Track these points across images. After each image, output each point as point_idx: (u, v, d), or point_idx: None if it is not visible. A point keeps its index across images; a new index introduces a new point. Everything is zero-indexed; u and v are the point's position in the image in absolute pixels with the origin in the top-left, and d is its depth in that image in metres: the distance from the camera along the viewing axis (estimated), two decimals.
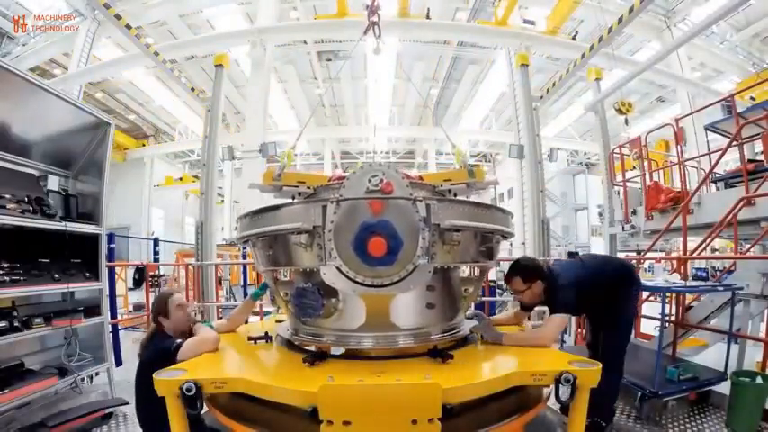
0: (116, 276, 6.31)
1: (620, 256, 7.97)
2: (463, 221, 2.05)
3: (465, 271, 2.51)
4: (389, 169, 1.99)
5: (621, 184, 7.39)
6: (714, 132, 6.67)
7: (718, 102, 6.53)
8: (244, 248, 9.09)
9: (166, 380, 1.77)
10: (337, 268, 1.96)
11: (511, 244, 9.65)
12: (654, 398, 3.47)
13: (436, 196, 2.35)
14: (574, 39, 11.60)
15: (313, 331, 2.26)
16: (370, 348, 2.17)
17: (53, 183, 4.04)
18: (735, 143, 5.00)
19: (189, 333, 2.61)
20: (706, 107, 7.29)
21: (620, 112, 8.92)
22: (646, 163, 7.00)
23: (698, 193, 5.59)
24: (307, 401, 1.65)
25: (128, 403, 3.80)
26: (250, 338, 2.54)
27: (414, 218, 1.94)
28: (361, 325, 2.15)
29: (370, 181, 1.96)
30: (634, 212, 7.02)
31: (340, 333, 2.19)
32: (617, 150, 7.95)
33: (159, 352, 2.38)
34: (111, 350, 4.20)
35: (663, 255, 11.29)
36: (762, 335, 4.28)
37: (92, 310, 3.93)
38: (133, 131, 21.72)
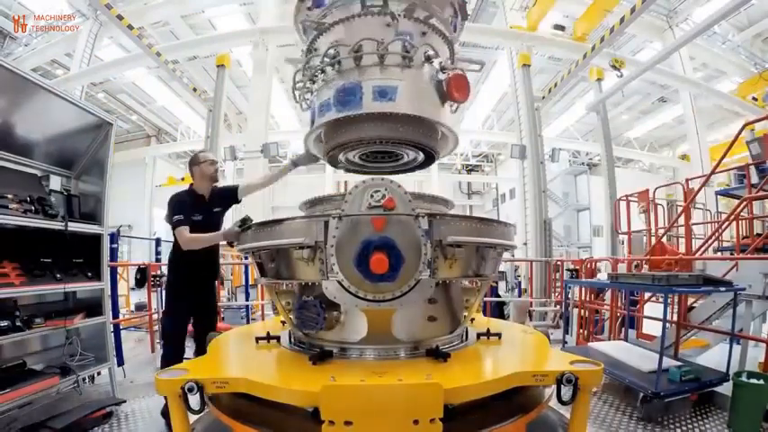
0: (118, 276, 6.32)
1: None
2: (465, 237, 2.05)
3: (466, 282, 2.51)
4: (392, 184, 2.00)
5: (626, 233, 7.48)
6: (727, 197, 6.69)
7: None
8: None
9: (168, 380, 1.77)
10: (339, 283, 1.97)
11: None
12: (655, 398, 3.47)
13: (438, 211, 2.36)
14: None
15: (314, 343, 2.27)
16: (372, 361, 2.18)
17: (55, 183, 4.04)
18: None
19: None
20: (719, 172, 6.80)
21: (614, 68, 9.09)
22: (652, 218, 7.10)
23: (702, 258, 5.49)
24: (308, 402, 1.65)
25: (125, 401, 3.86)
26: (257, 339, 2.55)
27: (416, 233, 1.94)
28: (363, 338, 2.16)
29: (372, 196, 1.96)
30: (637, 266, 6.94)
31: (341, 345, 2.21)
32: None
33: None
34: (112, 350, 4.21)
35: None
36: (764, 335, 4.27)
37: (94, 309, 3.95)
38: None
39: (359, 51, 2.28)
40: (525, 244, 9.30)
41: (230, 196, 3.52)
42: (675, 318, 4.70)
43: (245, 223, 2.42)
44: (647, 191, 7.24)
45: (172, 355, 3.32)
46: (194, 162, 3.43)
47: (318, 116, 2.49)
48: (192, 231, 3.11)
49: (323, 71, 2.43)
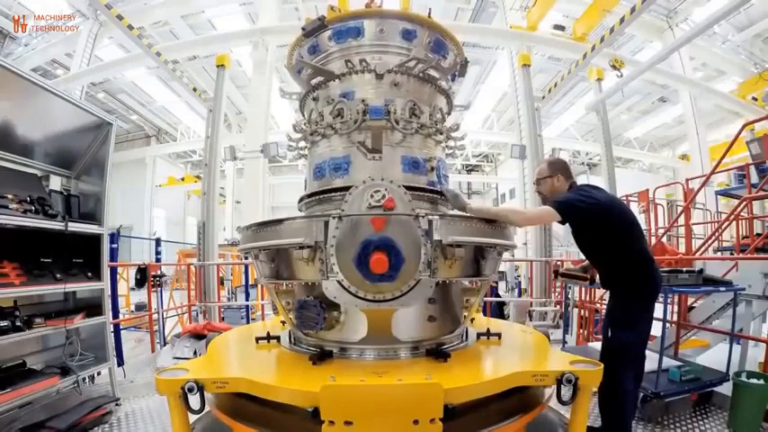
0: (118, 276, 6.32)
1: None
2: (465, 237, 2.05)
3: (466, 283, 2.51)
4: (392, 184, 1.99)
5: None
6: (727, 197, 6.74)
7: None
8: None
9: (168, 380, 1.77)
10: (339, 282, 1.97)
11: None
12: (655, 398, 3.47)
13: (437, 211, 2.36)
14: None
15: (314, 342, 2.26)
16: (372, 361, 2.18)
17: (55, 183, 4.05)
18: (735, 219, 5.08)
19: None
20: (719, 172, 6.68)
21: (614, 68, 9.13)
22: (652, 218, 7.13)
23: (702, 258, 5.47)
24: (308, 402, 1.65)
25: (118, 399, 3.89)
26: (257, 339, 2.55)
27: (416, 233, 1.94)
28: (363, 338, 2.15)
29: (372, 196, 1.96)
30: None
31: (341, 345, 2.20)
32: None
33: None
34: (112, 350, 4.20)
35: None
36: (764, 335, 4.27)
37: (94, 309, 3.95)
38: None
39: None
40: (525, 244, 9.29)
41: None
42: (675, 318, 4.69)
43: None
44: (647, 191, 7.27)
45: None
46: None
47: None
48: None
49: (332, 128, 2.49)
